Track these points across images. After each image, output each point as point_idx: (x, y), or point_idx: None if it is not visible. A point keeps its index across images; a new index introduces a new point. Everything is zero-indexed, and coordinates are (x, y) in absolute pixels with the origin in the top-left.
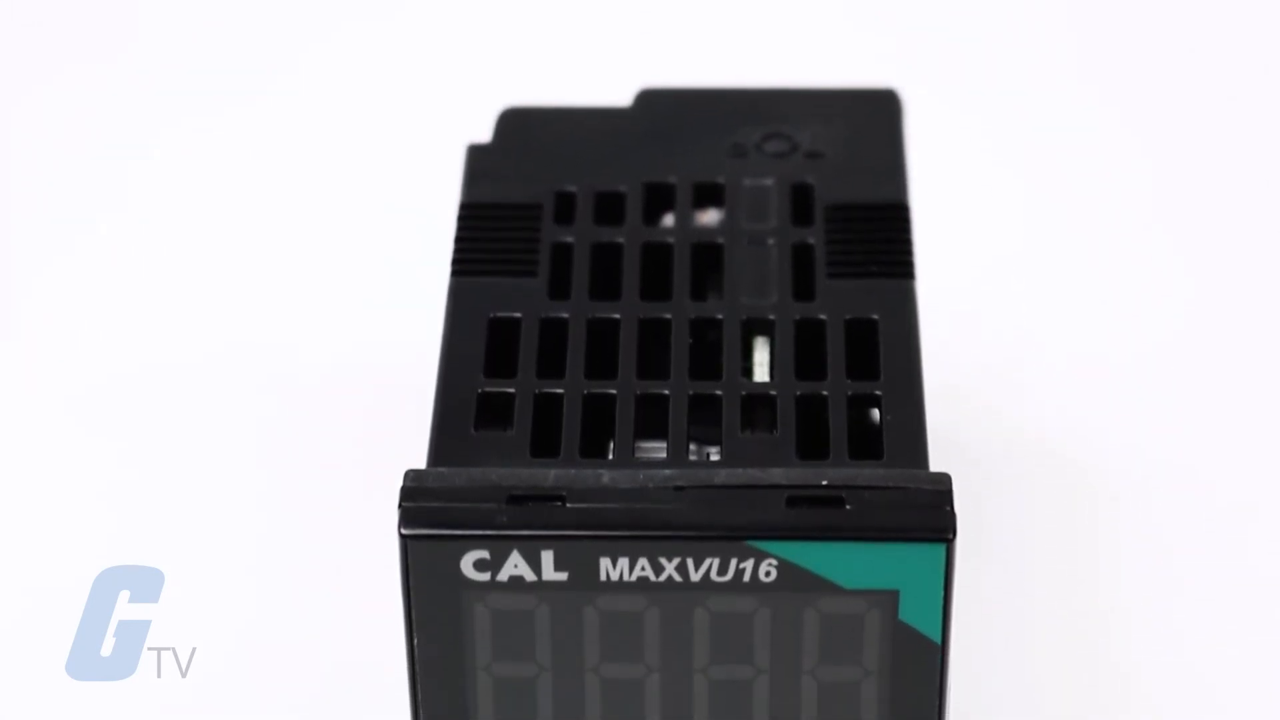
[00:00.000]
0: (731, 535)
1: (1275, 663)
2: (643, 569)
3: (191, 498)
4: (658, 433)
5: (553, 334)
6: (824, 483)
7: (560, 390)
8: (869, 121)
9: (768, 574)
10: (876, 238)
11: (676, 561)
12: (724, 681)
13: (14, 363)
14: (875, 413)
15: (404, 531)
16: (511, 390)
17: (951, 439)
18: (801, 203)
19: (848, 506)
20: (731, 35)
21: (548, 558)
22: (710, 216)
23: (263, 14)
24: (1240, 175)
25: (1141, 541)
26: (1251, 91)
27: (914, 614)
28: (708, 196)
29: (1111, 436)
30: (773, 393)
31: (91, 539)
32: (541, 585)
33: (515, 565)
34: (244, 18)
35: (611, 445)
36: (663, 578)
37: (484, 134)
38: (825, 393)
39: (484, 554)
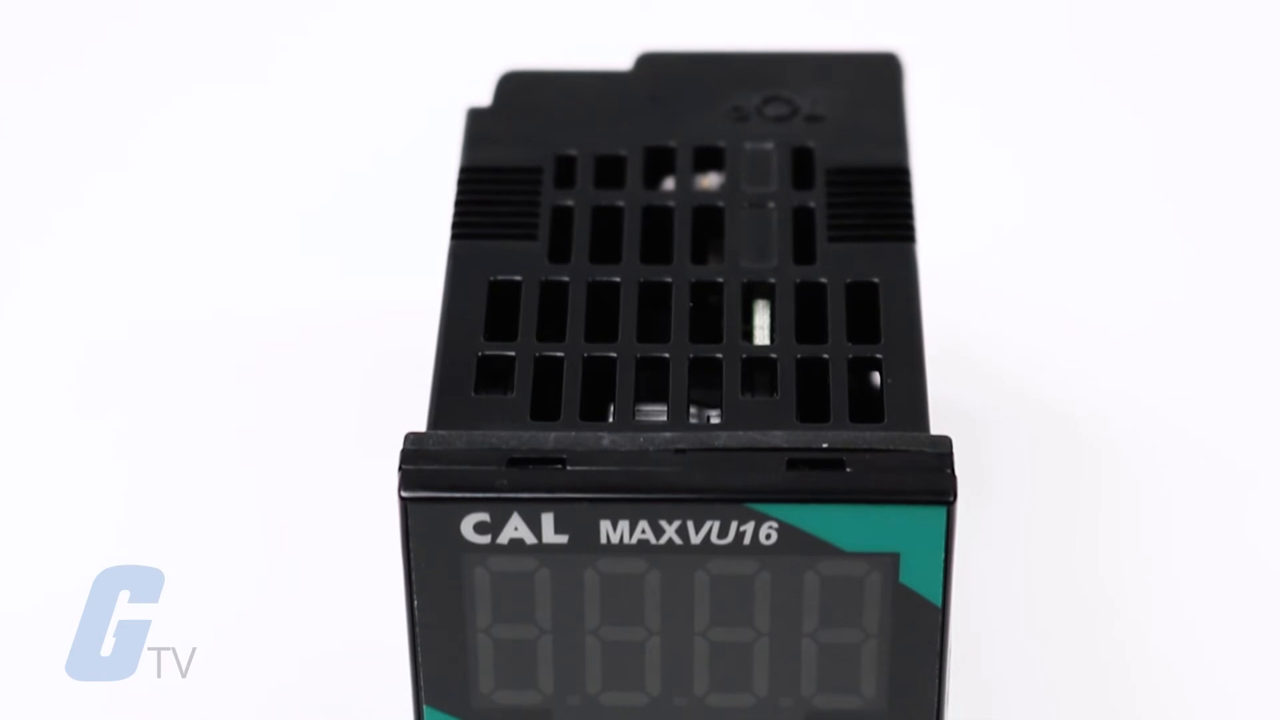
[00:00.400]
0: (732, 498)
1: (1275, 625)
2: (643, 532)
3: (192, 485)
4: (658, 396)
5: (553, 297)
6: (824, 445)
7: (560, 353)
8: (870, 85)
9: (768, 537)
10: (877, 201)
11: (677, 524)
12: (724, 644)
13: (14, 363)
14: (876, 376)
15: (404, 494)
16: (512, 353)
17: (952, 402)
18: (802, 166)
19: (848, 469)
20: None
21: (548, 520)
22: (711, 180)
23: None
24: (1243, 142)
25: (1141, 505)
26: (1253, 58)
27: (914, 577)
28: (708, 160)
29: (1112, 400)
30: (773, 356)
31: (91, 539)
32: (542, 548)
33: (515, 528)
34: None
35: (612, 408)
36: (663, 540)
37: (484, 98)
38: (826, 356)
39: (484, 517)
